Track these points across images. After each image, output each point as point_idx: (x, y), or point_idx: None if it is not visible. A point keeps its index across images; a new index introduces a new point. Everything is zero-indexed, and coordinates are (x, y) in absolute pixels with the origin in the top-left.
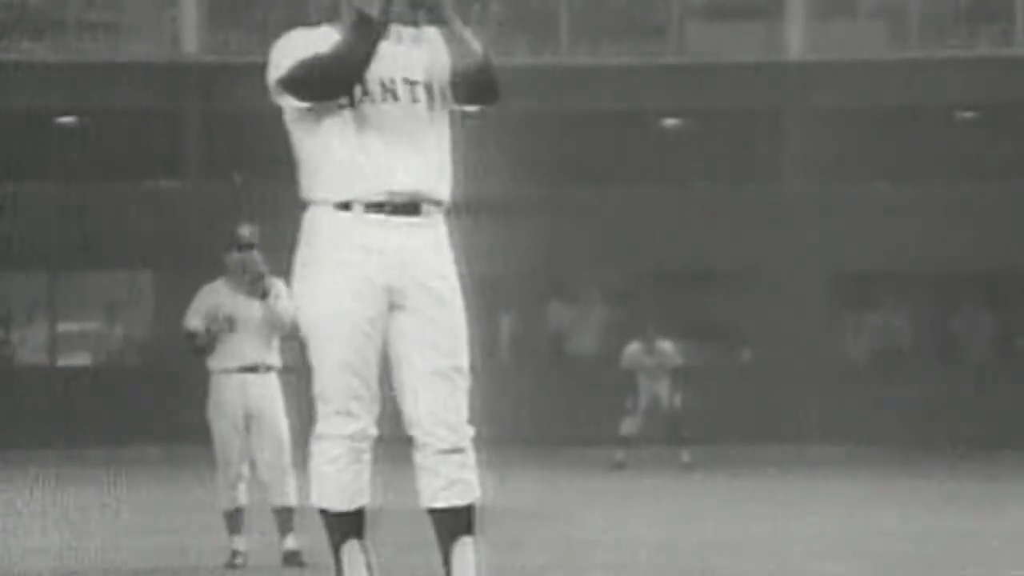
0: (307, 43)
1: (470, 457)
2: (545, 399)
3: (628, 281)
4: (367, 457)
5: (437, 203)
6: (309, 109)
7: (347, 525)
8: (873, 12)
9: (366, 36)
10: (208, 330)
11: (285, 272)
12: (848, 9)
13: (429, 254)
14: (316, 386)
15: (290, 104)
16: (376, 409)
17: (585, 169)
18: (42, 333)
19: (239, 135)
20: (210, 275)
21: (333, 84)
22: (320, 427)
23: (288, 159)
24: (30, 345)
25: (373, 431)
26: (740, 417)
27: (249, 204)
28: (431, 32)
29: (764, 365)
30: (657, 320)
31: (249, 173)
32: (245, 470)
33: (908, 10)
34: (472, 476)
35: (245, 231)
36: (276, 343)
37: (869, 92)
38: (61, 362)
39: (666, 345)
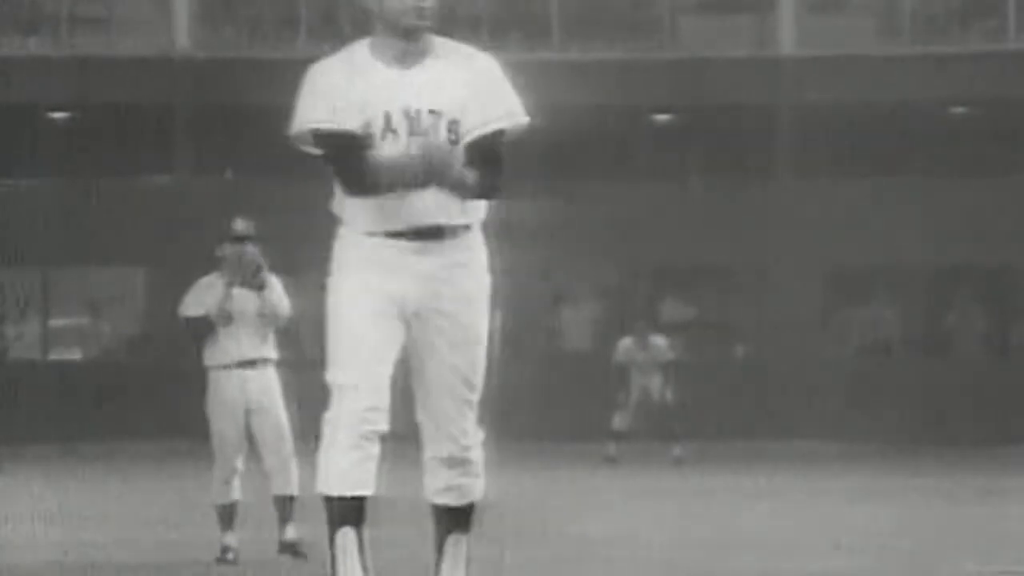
0: (330, 95)
1: (473, 465)
2: (538, 394)
3: (621, 276)
4: (375, 450)
5: (465, 227)
6: None
7: (343, 511)
8: (865, 7)
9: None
10: (208, 318)
11: (279, 267)
12: (840, 4)
13: (451, 273)
14: (329, 374)
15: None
16: (385, 402)
17: (577, 164)
18: (34, 328)
19: (232, 131)
20: (202, 271)
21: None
22: (330, 411)
23: (281, 155)
24: (23, 340)
25: (383, 424)
26: (732, 412)
27: (243, 199)
28: (462, 57)
29: (756, 360)
30: (650, 315)
31: (241, 169)
32: (240, 465)
33: (900, 5)
34: (471, 481)
35: (240, 224)
36: (272, 337)
37: (861, 87)
38: (53, 357)
39: (659, 340)
